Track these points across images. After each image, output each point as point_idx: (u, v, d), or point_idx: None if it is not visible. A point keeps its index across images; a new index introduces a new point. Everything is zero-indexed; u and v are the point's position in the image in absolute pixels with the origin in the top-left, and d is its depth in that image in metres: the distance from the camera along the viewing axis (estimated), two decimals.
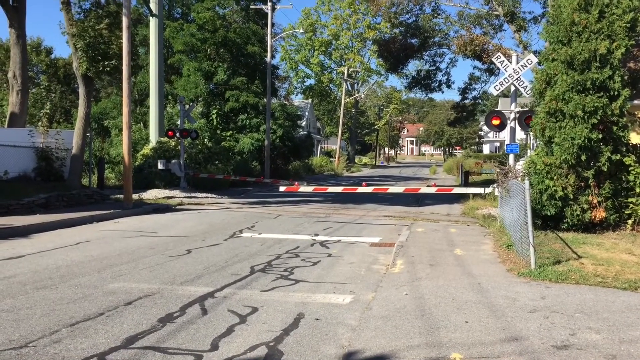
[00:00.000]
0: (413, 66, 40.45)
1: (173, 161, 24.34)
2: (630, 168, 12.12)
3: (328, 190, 20.34)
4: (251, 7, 38.29)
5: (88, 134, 21.30)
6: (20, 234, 12.29)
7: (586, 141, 11.64)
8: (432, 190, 18.42)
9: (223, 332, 5.90)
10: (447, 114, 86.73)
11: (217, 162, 29.09)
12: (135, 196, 19.42)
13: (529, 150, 24.62)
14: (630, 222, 12.22)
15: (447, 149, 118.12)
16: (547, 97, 12.53)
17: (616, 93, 11.92)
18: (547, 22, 13.71)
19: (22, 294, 7.30)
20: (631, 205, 12.14)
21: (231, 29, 36.10)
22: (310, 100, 74.01)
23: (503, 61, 15.22)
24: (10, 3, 21.37)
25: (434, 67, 36.33)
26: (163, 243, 11.75)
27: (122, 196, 18.41)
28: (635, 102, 16.66)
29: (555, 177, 12.03)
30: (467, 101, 38.23)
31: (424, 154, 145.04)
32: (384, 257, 10.51)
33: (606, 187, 12.00)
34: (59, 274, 8.55)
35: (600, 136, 11.83)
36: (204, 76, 35.17)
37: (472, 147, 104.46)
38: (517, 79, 14.88)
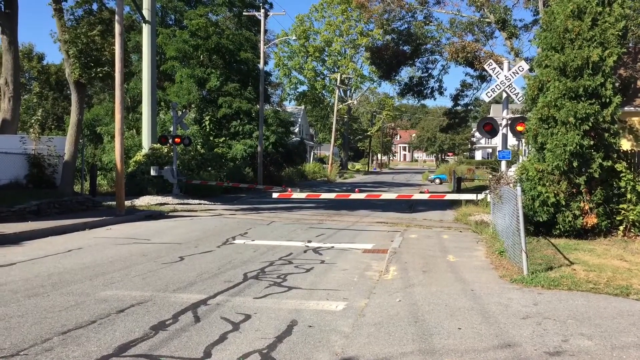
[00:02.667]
0: (405, 73, 40.80)
1: (166, 168, 24.27)
2: (622, 174, 12.20)
3: (321, 197, 20.34)
4: (244, 13, 38.40)
5: (80, 141, 21.23)
6: (12, 241, 12.20)
7: (578, 148, 11.71)
8: (425, 196, 18.46)
9: (216, 340, 5.88)
10: (439, 121, 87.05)
11: (209, 168, 29.04)
12: (127, 203, 19.35)
13: (521, 157, 24.75)
14: (621, 228, 12.29)
15: (439, 155, 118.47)
16: (539, 103, 12.60)
17: (608, 100, 12.01)
18: (540, 29, 13.80)
19: (14, 302, 7.25)
20: (623, 212, 12.22)
21: (224, 36, 36.14)
22: (303, 107, 74.12)
23: (495, 68, 15.30)
24: (2, 9, 21.30)
25: (426, 74, 36.48)
26: (155, 250, 11.70)
27: (114, 203, 18.34)
28: (626, 108, 16.81)
29: (547, 184, 12.09)
30: (459, 108, 38.39)
31: (416, 160, 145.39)
32: (377, 264, 10.51)
33: (598, 194, 12.07)
34: (51, 281, 8.50)
35: (592, 143, 11.91)
36: (197, 83, 35.15)
37: (465, 153, 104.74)
38: (508, 85, 14.96)
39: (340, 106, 69.12)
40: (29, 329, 6.12)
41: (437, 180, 49.12)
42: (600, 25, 12.20)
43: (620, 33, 12.15)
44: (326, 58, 73.73)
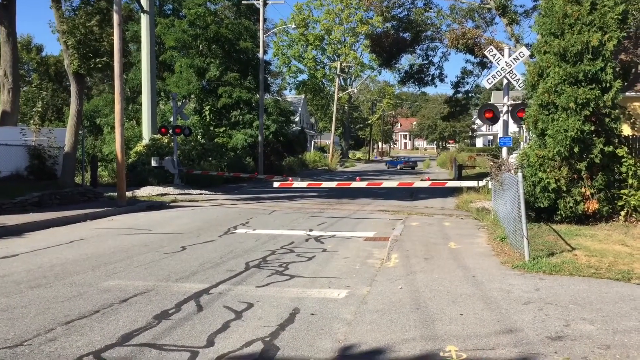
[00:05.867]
0: (406, 60, 40.52)
1: (166, 158, 24.27)
2: (623, 160, 12.18)
3: (322, 186, 20.34)
4: (243, 2, 38.17)
5: (80, 132, 21.20)
6: (14, 233, 12.23)
7: (579, 133, 11.68)
8: (426, 184, 18.46)
9: (219, 328, 5.90)
10: (440, 108, 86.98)
11: (210, 158, 29.04)
12: (128, 194, 19.37)
13: (522, 143, 24.71)
14: (623, 213, 12.29)
15: (440, 143, 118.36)
16: (539, 89, 12.55)
17: (608, 85, 11.96)
18: (539, 15, 13.72)
19: (17, 293, 7.28)
20: (624, 197, 12.21)
21: (223, 25, 35.98)
22: (303, 96, 73.94)
23: (495, 54, 15.24)
24: (0, 1, 21.20)
25: (427, 61, 36.36)
26: (157, 240, 11.73)
27: (115, 194, 18.35)
28: (627, 93, 16.75)
29: (548, 170, 12.08)
30: (460, 95, 38.24)
31: (417, 148, 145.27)
32: (378, 252, 10.53)
33: (599, 179, 12.05)
34: (54, 272, 8.53)
35: (593, 128, 11.88)
36: (197, 72, 35.05)
37: (466, 140, 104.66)
38: (509, 72, 14.91)
39: (341, 95, 68.95)
40: (32, 320, 6.15)
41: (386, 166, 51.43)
42: (599, 10, 12.13)
43: (620, 17, 12.07)
44: (326, 46, 73.45)
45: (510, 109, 15.12)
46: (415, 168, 55.63)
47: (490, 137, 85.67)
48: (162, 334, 5.71)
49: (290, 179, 21.23)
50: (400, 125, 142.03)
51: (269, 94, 44.68)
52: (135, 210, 17.27)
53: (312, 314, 6.41)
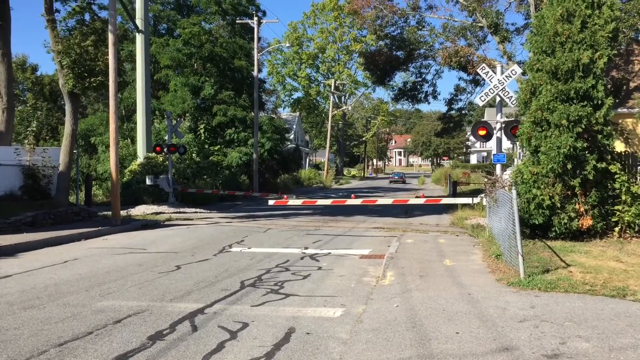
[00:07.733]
0: (399, 78, 40.96)
1: (161, 177, 24.23)
2: (616, 176, 12.24)
3: (317, 203, 20.35)
4: (237, 21, 38.46)
5: (75, 151, 21.18)
6: (7, 253, 12.14)
7: (572, 150, 11.75)
8: (421, 201, 18.45)
9: (213, 349, 5.86)
10: (434, 125, 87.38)
11: (205, 176, 29.01)
12: (123, 212, 19.30)
13: (515, 160, 24.81)
14: (617, 229, 12.32)
15: (434, 160, 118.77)
16: (532, 106, 12.65)
17: (600, 102, 12.07)
18: (531, 33, 13.88)
19: (10, 314, 7.21)
20: (618, 213, 12.25)
21: (217, 44, 36.19)
22: (298, 113, 74.18)
23: (488, 72, 15.36)
24: None
25: (420, 79, 36.63)
26: (152, 259, 11.67)
27: (110, 213, 18.28)
28: (619, 110, 16.90)
29: (542, 186, 12.12)
30: (453, 112, 38.51)
31: (412, 165, 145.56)
32: (374, 269, 10.51)
33: (592, 195, 12.10)
34: (47, 293, 8.46)
35: (586, 145, 11.96)
36: (191, 91, 35.16)
37: (460, 157, 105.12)
38: (502, 89, 15.02)
39: (335, 112, 69.23)
40: (25, 342, 6.09)
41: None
42: (589, 28, 12.29)
43: (610, 35, 12.23)
44: (320, 64, 73.91)
45: (503, 125, 15.21)
46: (406, 182, 62.29)
47: (485, 154, 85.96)
48: (157, 355, 5.67)
49: (285, 196, 21.22)
50: (395, 142, 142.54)
51: (264, 111, 44.81)
52: (130, 229, 17.20)
53: (308, 333, 6.38)
